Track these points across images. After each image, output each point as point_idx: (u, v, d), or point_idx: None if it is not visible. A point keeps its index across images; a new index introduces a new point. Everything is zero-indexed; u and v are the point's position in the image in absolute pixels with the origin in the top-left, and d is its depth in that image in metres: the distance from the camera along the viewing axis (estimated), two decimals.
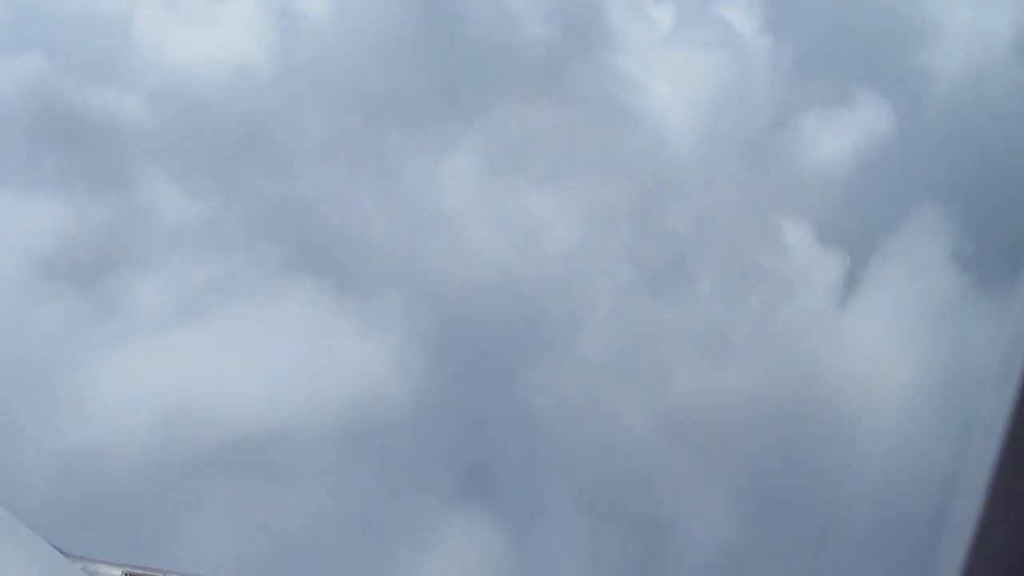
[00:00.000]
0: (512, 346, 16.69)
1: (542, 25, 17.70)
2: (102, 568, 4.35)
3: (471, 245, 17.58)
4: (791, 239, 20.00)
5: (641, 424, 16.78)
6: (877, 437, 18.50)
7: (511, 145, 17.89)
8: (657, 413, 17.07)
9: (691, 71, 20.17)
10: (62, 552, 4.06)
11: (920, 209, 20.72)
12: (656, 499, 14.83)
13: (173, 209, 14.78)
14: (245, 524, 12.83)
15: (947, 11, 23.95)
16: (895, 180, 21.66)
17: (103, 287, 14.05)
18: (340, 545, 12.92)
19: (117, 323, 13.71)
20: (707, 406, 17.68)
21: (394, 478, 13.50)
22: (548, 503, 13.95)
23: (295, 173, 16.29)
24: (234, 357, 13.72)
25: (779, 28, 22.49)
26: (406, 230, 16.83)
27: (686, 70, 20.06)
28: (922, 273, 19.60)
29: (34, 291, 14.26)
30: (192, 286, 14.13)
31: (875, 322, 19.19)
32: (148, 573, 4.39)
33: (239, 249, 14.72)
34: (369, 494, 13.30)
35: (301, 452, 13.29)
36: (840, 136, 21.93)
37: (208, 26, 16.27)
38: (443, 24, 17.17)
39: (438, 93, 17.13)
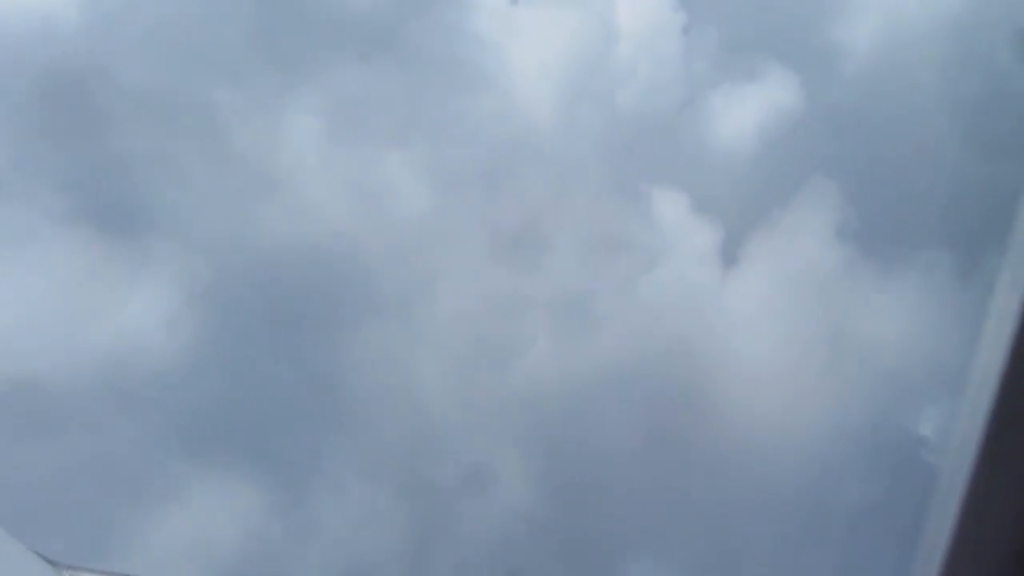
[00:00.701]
0: (333, 312, 15.46)
1: None
2: None
3: (303, 208, 16.46)
4: (667, 211, 18.74)
5: (471, 398, 15.40)
6: (745, 411, 17.01)
7: (348, 105, 16.85)
8: (493, 386, 15.70)
9: (561, 36, 19.15)
10: (48, 560, 3.84)
11: (812, 184, 19.48)
12: (461, 472, 13.42)
13: None
14: None
15: None
16: (794, 155, 20.41)
17: None
18: (83, 499, 11.69)
19: None
20: (554, 379, 16.32)
21: (153, 434, 12.25)
22: (330, 469, 12.59)
23: (105, 127, 15.32)
24: None
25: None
26: (226, 189, 15.75)
27: (555, 34, 19.05)
28: (804, 246, 18.27)
29: None
30: None
31: (751, 294, 17.81)
32: None
33: (14, 200, 13.72)
34: (123, 449, 12.06)
35: (53, 403, 12.11)
36: (738, 108, 20.75)
37: None
38: None
39: (265, 49, 16.19)
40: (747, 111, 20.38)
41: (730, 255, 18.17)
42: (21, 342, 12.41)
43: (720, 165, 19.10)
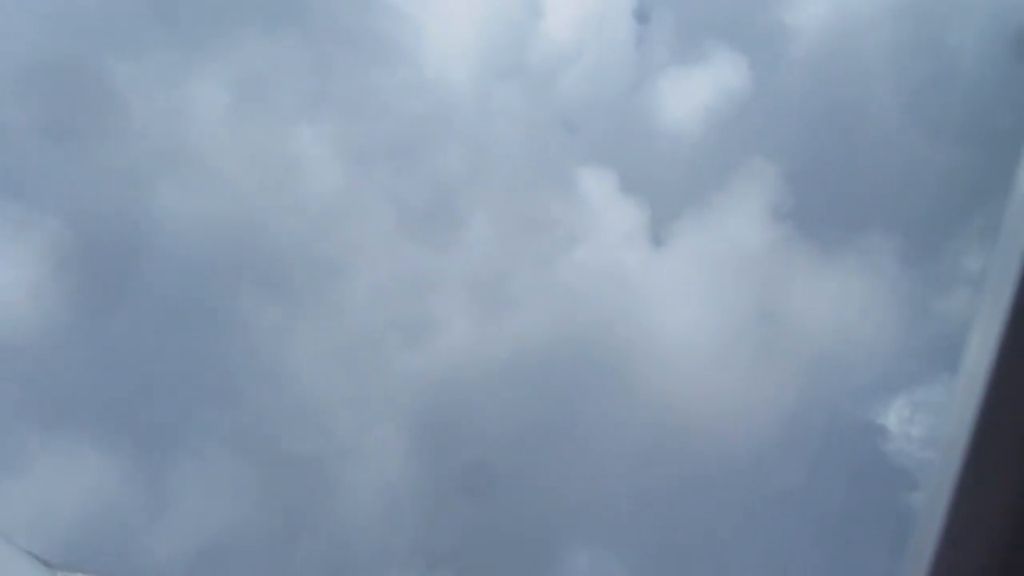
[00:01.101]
0: (228, 288, 14.72)
1: None
2: None
3: (204, 182, 15.78)
4: (597, 191, 17.97)
5: (369, 378, 14.59)
6: (676, 395, 16.14)
7: (258, 79, 16.23)
8: (395, 367, 14.89)
9: (486, 11, 18.57)
10: (43, 562, 3.84)
11: (750, 164, 18.74)
12: (341, 449, 12.60)
13: None
14: None
15: None
16: (735, 136, 19.65)
17: None
18: None
19: None
20: (469, 362, 15.51)
21: (8, 404, 11.53)
22: (195, 443, 11.79)
23: None
24: None
25: None
26: (121, 161, 15.10)
27: (478, 10, 18.46)
28: (736, 226, 17.47)
29: None
30: None
31: (679, 274, 17.01)
32: None
33: None
34: None
35: None
36: (683, 89, 20.02)
37: None
38: None
39: (168, 20, 15.61)
40: (691, 93, 19.69)
41: (661, 235, 17.42)
42: None
43: (657, 146, 18.39)
